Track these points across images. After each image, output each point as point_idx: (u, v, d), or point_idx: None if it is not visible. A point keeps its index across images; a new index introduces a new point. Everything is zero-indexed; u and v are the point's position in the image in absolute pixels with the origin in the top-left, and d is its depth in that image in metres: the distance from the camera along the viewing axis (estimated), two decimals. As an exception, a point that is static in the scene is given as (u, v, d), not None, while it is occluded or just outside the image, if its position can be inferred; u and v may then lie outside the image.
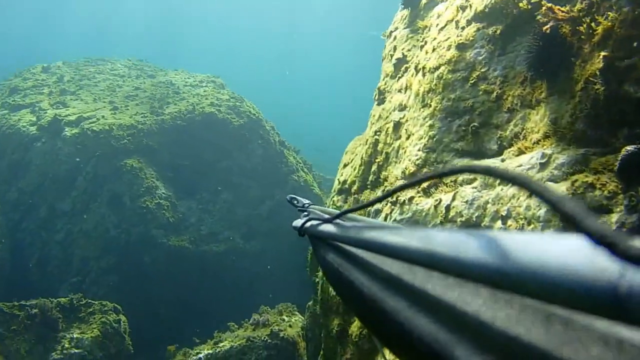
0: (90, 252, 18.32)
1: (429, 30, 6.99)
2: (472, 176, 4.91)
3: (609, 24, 3.85)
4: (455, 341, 0.81)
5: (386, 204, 6.14)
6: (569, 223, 0.60)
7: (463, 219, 4.77)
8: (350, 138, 9.81)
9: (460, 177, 5.09)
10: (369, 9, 58.24)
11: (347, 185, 8.25)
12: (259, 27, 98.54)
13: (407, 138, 6.38)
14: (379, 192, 7.07)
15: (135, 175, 19.11)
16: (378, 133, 7.49)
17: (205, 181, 20.73)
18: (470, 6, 5.90)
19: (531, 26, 4.87)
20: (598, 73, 3.84)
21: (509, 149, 4.80)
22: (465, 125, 5.40)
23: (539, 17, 4.41)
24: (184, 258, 18.62)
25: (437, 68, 6.04)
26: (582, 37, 4.08)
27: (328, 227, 1.51)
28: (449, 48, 6.00)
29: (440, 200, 5.16)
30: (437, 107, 5.83)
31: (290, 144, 24.89)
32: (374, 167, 7.39)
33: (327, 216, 1.68)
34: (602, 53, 3.85)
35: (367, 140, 7.92)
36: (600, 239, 0.56)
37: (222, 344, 14.04)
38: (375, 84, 8.41)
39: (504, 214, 4.28)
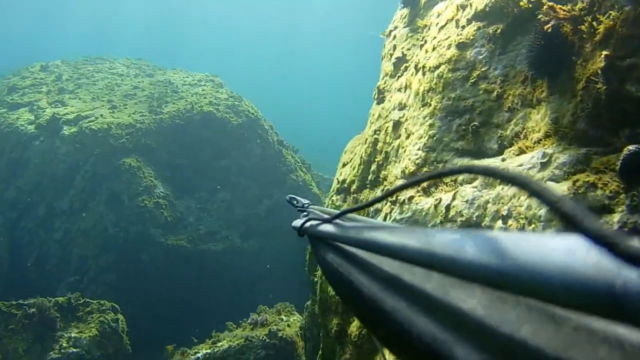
0: (89, 250, 18.32)
1: (429, 29, 6.96)
2: (472, 176, 4.89)
3: (611, 23, 3.83)
4: (455, 341, 0.81)
5: (386, 204, 6.11)
6: (568, 223, 0.61)
7: (463, 218, 4.75)
8: (349, 138, 9.78)
9: (461, 177, 5.07)
10: (369, 9, 58.28)
11: (346, 185, 8.23)
12: (258, 27, 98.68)
13: (407, 137, 6.35)
14: (378, 192, 7.04)
15: (133, 174, 19.10)
16: (377, 132, 7.46)
17: (204, 180, 20.73)
18: (471, 5, 5.88)
19: (532, 25, 4.85)
20: (599, 72, 3.82)
21: (509, 149, 4.77)
22: (466, 125, 5.38)
23: (540, 16, 4.39)
24: (182, 257, 18.62)
25: (437, 67, 6.01)
26: (584, 36, 4.06)
27: (328, 227, 1.51)
28: (449, 47, 5.98)
29: (440, 200, 5.14)
30: (437, 106, 5.81)
31: (289, 143, 24.89)
32: (373, 167, 7.36)
33: (326, 216, 1.68)
34: (604, 52, 3.83)
35: (366, 139, 7.90)
36: (599, 239, 0.57)
37: (220, 343, 14.02)
38: (375, 84, 8.38)
39: (504, 213, 4.26)
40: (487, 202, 4.53)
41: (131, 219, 18.62)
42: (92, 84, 24.94)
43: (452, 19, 6.24)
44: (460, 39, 5.81)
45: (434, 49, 6.34)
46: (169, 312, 17.73)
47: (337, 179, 8.82)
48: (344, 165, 8.93)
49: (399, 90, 7.28)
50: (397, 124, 6.87)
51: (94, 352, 13.36)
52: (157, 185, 19.49)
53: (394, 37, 8.26)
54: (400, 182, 6.16)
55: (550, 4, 4.30)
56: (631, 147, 3.44)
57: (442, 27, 6.44)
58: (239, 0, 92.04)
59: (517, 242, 0.69)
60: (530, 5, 4.98)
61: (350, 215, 1.65)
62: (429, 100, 6.02)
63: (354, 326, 6.44)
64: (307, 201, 2.07)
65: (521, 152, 4.54)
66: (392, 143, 6.89)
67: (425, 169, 5.74)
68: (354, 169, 8.14)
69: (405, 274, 1.05)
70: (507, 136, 4.87)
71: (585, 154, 3.86)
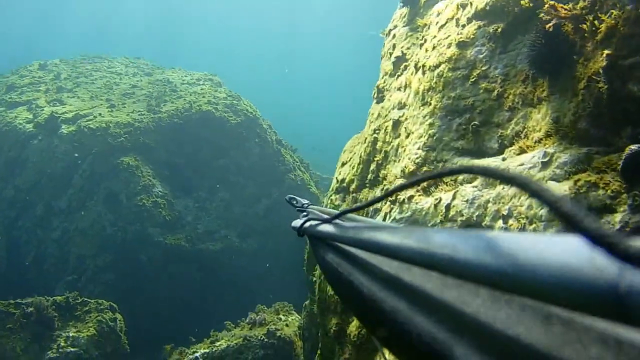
0: (87, 250, 18.28)
1: (429, 28, 6.95)
2: (472, 175, 4.87)
3: (612, 22, 3.81)
4: (455, 341, 0.82)
5: (385, 203, 6.10)
6: (567, 223, 0.60)
7: (463, 218, 4.73)
8: (349, 138, 9.75)
9: (461, 176, 5.05)
10: (369, 8, 58.30)
11: (345, 184, 8.21)
12: (258, 27, 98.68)
13: (407, 136, 6.34)
14: (377, 191, 7.02)
15: (131, 174, 19.07)
16: (377, 131, 7.44)
17: (202, 179, 20.71)
18: (471, 4, 5.87)
19: (532, 24, 4.84)
20: (601, 71, 3.81)
21: (510, 148, 4.76)
22: (466, 124, 5.36)
23: (541, 15, 4.37)
24: (180, 257, 18.60)
25: (437, 66, 5.99)
26: (585, 35, 4.04)
27: (327, 227, 1.51)
28: (449, 46, 5.96)
29: (440, 199, 5.12)
30: (437, 105, 5.79)
31: (288, 142, 24.89)
32: (372, 166, 7.35)
33: (326, 216, 1.69)
34: (606, 51, 3.81)
35: (365, 138, 7.88)
36: (599, 239, 0.56)
37: (218, 343, 13.99)
38: (375, 84, 8.37)
39: (505, 213, 4.24)
40: (488, 201, 4.51)
41: (129, 218, 18.58)
42: (90, 82, 24.90)
43: (452, 18, 6.22)
44: (461, 37, 5.80)
45: (434, 48, 6.33)
46: (167, 311, 17.71)
47: (336, 178, 8.80)
48: (343, 164, 8.91)
49: (399, 89, 7.26)
50: (396, 123, 6.85)
51: (92, 351, 13.33)
52: (156, 184, 19.46)
53: (394, 36, 8.24)
54: (399, 181, 6.15)
55: (552, 2, 4.28)
56: (633, 147, 3.42)
57: (442, 26, 6.42)
58: (239, 0, 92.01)
59: (516, 243, 0.69)
60: (531, 4, 4.96)
61: (349, 215, 1.66)
62: (429, 100, 6.00)
63: (353, 326, 6.42)
64: (306, 201, 2.08)
65: (522, 151, 4.53)
66: (391, 142, 6.87)
67: (425, 168, 5.72)
68: (353, 168, 8.12)
69: (405, 274, 1.05)
70: (508, 135, 4.85)
71: (587, 154, 3.84)
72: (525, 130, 4.64)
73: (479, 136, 5.20)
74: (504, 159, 4.72)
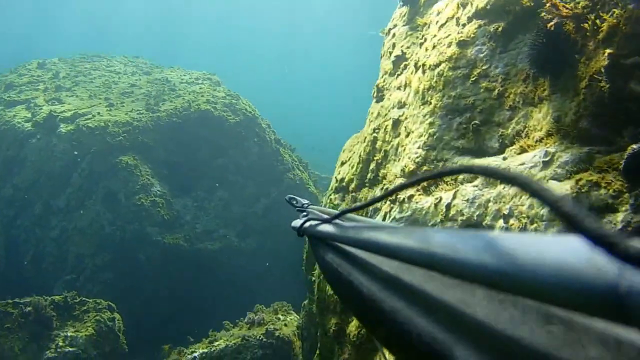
0: (85, 249, 18.25)
1: (429, 27, 6.94)
2: (472, 175, 4.85)
3: (614, 21, 3.80)
4: (454, 341, 0.82)
5: (385, 202, 6.08)
6: (568, 223, 0.61)
7: (464, 217, 4.71)
8: (347, 137, 9.74)
9: (461, 176, 5.04)
10: (369, 8, 58.29)
11: (344, 183, 8.19)
12: (258, 27, 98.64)
13: (407, 136, 6.32)
14: (377, 190, 7.01)
15: (130, 173, 19.04)
16: (377, 131, 7.43)
17: (201, 179, 20.69)
18: (471, 3, 5.85)
19: (533, 23, 4.83)
20: (603, 70, 3.79)
21: (510, 147, 4.74)
22: (466, 123, 5.35)
23: (543, 14, 4.35)
24: (179, 256, 18.57)
25: (437, 65, 5.98)
26: (587, 34, 4.02)
27: (327, 227, 1.52)
28: (449, 45, 5.95)
29: (441, 199, 5.10)
30: (437, 104, 5.78)
31: (286, 141, 24.88)
32: (372, 165, 7.33)
33: (326, 216, 1.70)
34: (607, 50, 3.80)
35: (365, 138, 7.86)
36: (599, 240, 0.57)
37: (217, 343, 13.97)
38: (374, 83, 8.35)
39: (505, 212, 4.22)
40: (488, 201, 4.49)
41: (128, 218, 18.56)
42: (89, 81, 24.87)
43: (452, 17, 6.21)
44: (461, 37, 5.78)
45: (434, 47, 6.31)
46: (165, 311, 17.70)
47: (336, 177, 8.79)
48: (343, 163, 8.89)
49: (399, 88, 7.25)
50: (396, 122, 6.84)
51: (90, 351, 13.30)
52: (154, 183, 19.44)
53: (393, 35, 8.23)
54: (399, 180, 6.15)
55: (553, 1, 4.26)
56: (635, 146, 3.41)
57: (442, 25, 6.41)
58: (240, 0, 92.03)
59: (516, 243, 0.69)
60: (532, 3, 4.95)
61: (349, 215, 1.66)
62: (429, 99, 5.99)
63: (353, 326, 6.40)
64: (306, 201, 2.09)
65: (523, 150, 4.51)
66: (391, 141, 6.85)
67: (425, 168, 5.71)
68: (352, 167, 8.10)
69: (405, 274, 1.06)
70: (509, 135, 4.84)
71: (588, 153, 3.83)
72: (526, 129, 4.62)
73: (479, 135, 5.19)
74: (504, 158, 4.71)
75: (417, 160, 5.82)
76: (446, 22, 6.34)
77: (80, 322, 13.80)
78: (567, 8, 4.18)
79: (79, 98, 22.43)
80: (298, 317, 14.07)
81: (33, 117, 20.65)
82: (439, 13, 6.73)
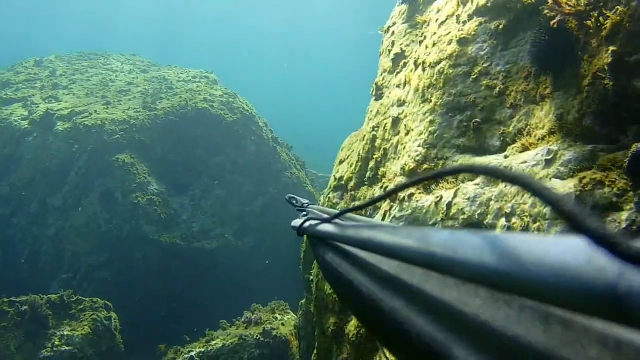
0: (82, 248, 18.22)
1: (429, 25, 6.91)
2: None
3: (618, 18, 3.77)
4: (454, 341, 0.82)
5: (385, 201, 6.05)
6: (570, 223, 0.61)
7: (465, 216, 4.67)
8: (346, 137, 9.70)
9: (462, 174, 5.00)
10: (369, 8, 58.33)
11: (343, 182, 8.15)
12: (258, 27, 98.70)
13: (407, 134, 6.28)
14: (376, 189, 6.97)
15: (127, 171, 19.01)
16: (376, 129, 7.39)
17: (198, 177, 20.66)
18: (472, 1, 5.82)
19: (535, 21, 4.80)
20: (607, 68, 3.76)
21: (512, 146, 4.71)
22: (467, 121, 5.31)
23: (545, 11, 4.32)
24: (176, 255, 18.55)
25: (437, 63, 5.95)
26: (590, 31, 3.99)
27: (327, 227, 1.53)
28: (450, 43, 5.91)
29: (441, 198, 5.07)
30: (437, 102, 5.74)
31: (284, 140, 24.88)
32: (371, 164, 7.29)
33: (326, 216, 1.71)
34: (611, 48, 3.76)
35: (364, 136, 7.83)
36: (600, 239, 0.57)
37: (214, 342, 13.96)
38: (373, 82, 8.32)
39: (508, 211, 4.19)
40: (490, 199, 4.46)
41: (125, 216, 18.53)
42: (86, 79, 24.83)
43: (452, 15, 6.18)
44: (462, 34, 5.75)
45: (434, 44, 6.28)
46: (162, 310, 17.68)
47: (334, 176, 8.75)
48: (341, 162, 8.85)
49: (398, 86, 7.22)
50: (396, 121, 6.80)
51: (87, 350, 13.27)
52: (151, 182, 19.41)
53: (393, 33, 8.20)
54: (399, 179, 6.12)
55: (556, -2, 4.23)
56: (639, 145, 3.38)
57: (442, 23, 6.38)
58: (240, 0, 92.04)
59: (516, 243, 0.69)
60: (533, 1, 4.92)
61: (349, 214, 1.68)
62: (429, 97, 5.95)
63: (352, 325, 6.36)
64: (306, 201, 2.12)
65: (525, 149, 4.48)
66: (391, 140, 6.82)
67: (425, 166, 5.67)
68: (351, 166, 8.07)
69: (405, 274, 1.06)
70: (510, 133, 4.80)
71: (592, 151, 3.80)
72: (528, 127, 4.59)
73: (480, 134, 5.15)
74: (506, 157, 4.67)
75: (417, 158, 5.79)
76: (446, 19, 6.31)
77: (76, 321, 13.77)
78: (569, 5, 4.15)
79: (76, 96, 22.39)
80: (295, 316, 14.06)
81: (30, 115, 20.61)
82: (438, 11, 6.70)
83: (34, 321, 13.12)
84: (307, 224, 1.71)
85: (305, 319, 10.17)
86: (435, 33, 6.44)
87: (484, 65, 5.37)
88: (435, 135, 5.64)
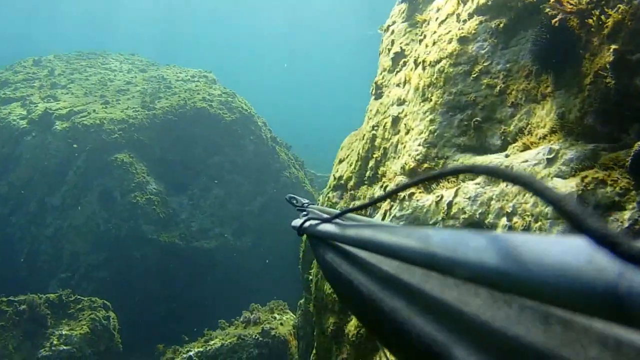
0: (80, 247, 18.20)
1: (428, 24, 6.90)
2: (474, 173, 4.80)
3: (619, 16, 3.75)
4: (454, 341, 0.82)
5: (385, 200, 6.03)
6: (571, 222, 0.60)
7: (466, 215, 4.66)
8: (346, 136, 9.67)
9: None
10: (369, 8, 58.35)
11: (343, 181, 8.13)
12: (259, 27, 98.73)
13: (407, 133, 6.27)
14: (376, 188, 6.95)
15: (125, 170, 18.99)
16: (375, 128, 7.37)
17: (197, 177, 20.64)
18: (472, -1, 5.81)
19: (535, 19, 4.79)
20: (608, 67, 3.74)
21: (513, 144, 4.69)
22: (468, 120, 5.30)
23: (547, 9, 4.30)
24: (174, 254, 18.53)
25: (437, 62, 5.93)
26: (591, 29, 3.97)
27: (327, 227, 1.53)
28: (450, 41, 5.90)
29: (442, 197, 5.05)
30: (438, 101, 5.72)
31: (282, 139, 24.87)
32: (371, 163, 7.27)
33: (326, 216, 1.72)
34: (613, 46, 3.75)
35: (364, 135, 7.80)
36: (601, 239, 0.56)
37: (212, 342, 13.94)
38: (373, 81, 8.30)
39: (509, 210, 4.17)
40: (491, 199, 4.44)
41: (123, 216, 18.51)
42: (84, 79, 24.81)
43: (452, 13, 6.17)
44: (462, 33, 5.73)
45: (434, 43, 6.26)
46: (161, 309, 17.65)
47: (334, 175, 8.72)
48: (341, 161, 8.83)
49: (398, 85, 7.20)
50: (396, 120, 6.78)
51: (85, 349, 13.24)
52: (150, 181, 19.39)
53: (392, 32, 8.18)
54: (399, 178, 6.10)
55: (557, -4, 4.21)
56: (642, 143, 3.37)
57: (442, 22, 6.37)
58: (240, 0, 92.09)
59: (516, 243, 0.69)
60: (534, -1, 4.91)
61: (349, 214, 1.68)
62: (429, 95, 5.94)
63: (352, 325, 6.34)
64: (306, 201, 2.12)
65: (526, 148, 4.46)
66: (390, 139, 6.80)
67: (426, 165, 5.65)
68: (351, 165, 8.04)
69: (405, 274, 1.06)
70: (511, 132, 4.78)
71: (593, 150, 3.78)
72: (529, 126, 4.57)
73: (481, 132, 5.13)
74: (507, 156, 4.66)
75: (417, 157, 5.77)
76: (446, 18, 6.29)
77: (75, 321, 13.75)
78: (571, 4, 4.13)
79: (74, 95, 22.37)
80: (294, 316, 14.04)
81: (28, 115, 20.58)
82: (438, 9, 6.69)
83: (32, 320, 13.10)
84: (307, 224, 1.71)
85: (304, 319, 10.16)
86: (435, 32, 6.42)
87: (485, 64, 5.35)
88: (436, 134, 5.62)
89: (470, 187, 4.74)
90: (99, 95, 22.56)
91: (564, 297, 0.60)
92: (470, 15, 5.77)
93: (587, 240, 0.58)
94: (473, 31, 5.62)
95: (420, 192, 5.44)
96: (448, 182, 5.12)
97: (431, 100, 5.86)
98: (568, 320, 0.69)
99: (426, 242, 0.88)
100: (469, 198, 4.68)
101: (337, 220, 1.57)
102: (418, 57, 6.64)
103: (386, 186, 6.43)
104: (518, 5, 5.17)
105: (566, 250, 0.61)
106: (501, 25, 5.33)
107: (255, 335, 13.76)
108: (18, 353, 12.52)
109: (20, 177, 19.37)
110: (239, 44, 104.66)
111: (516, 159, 4.41)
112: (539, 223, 3.82)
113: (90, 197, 18.71)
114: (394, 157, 6.55)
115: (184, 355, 13.72)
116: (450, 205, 4.90)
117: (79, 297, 14.45)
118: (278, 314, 15.00)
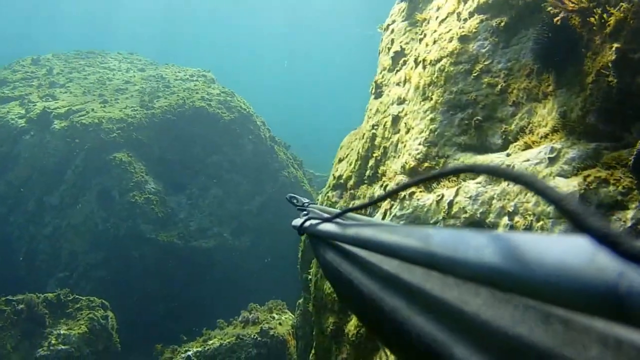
0: (79, 246, 18.17)
1: (428, 23, 6.88)
2: (475, 172, 4.77)
3: (622, 15, 3.73)
4: (454, 341, 0.82)
5: (385, 200, 6.01)
6: (572, 222, 0.60)
7: (467, 215, 4.63)
8: (345, 136, 9.64)
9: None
10: (369, 8, 58.37)
11: (342, 180, 8.11)
12: (259, 27, 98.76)
13: (407, 132, 6.25)
14: (376, 187, 6.93)
15: (124, 170, 18.96)
16: (375, 127, 7.35)
17: (195, 176, 20.62)
18: (473, -3, 5.79)
19: (537, 18, 4.77)
20: (610, 65, 3.72)
21: (514, 143, 4.67)
22: (468, 119, 5.28)
23: (549, 8, 4.28)
24: (173, 254, 18.51)
25: (438, 60, 5.91)
26: (594, 28, 3.95)
27: (328, 226, 1.54)
28: (450, 40, 5.88)
29: (443, 196, 5.03)
30: (438, 100, 5.70)
31: (281, 139, 24.85)
32: (371, 162, 7.25)
33: (326, 215, 1.72)
34: (615, 45, 3.73)
35: (363, 134, 7.78)
36: (602, 238, 0.56)
37: (211, 341, 13.92)
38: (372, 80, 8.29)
39: (510, 209, 4.15)
40: (492, 198, 4.42)
41: (122, 215, 18.49)
42: (83, 78, 24.78)
43: (453, 12, 6.16)
44: (463, 31, 5.72)
45: (434, 42, 6.25)
46: (159, 309, 17.64)
47: (333, 174, 8.70)
48: (340, 160, 8.81)
49: (398, 84, 7.18)
50: (396, 119, 6.76)
51: (83, 349, 13.22)
52: (148, 180, 19.36)
53: (392, 31, 8.16)
54: (399, 177, 6.08)
55: (559, -6, 4.19)
56: (644, 142, 3.35)
57: (442, 20, 6.35)
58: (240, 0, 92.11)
59: (517, 242, 0.69)
60: (535, -2, 4.89)
61: (349, 214, 1.67)
62: (429, 94, 5.92)
63: (352, 325, 6.32)
64: (307, 200, 2.12)
65: (527, 147, 4.44)
66: (391, 138, 6.78)
67: (426, 164, 5.63)
68: (350, 164, 8.02)
69: (405, 273, 1.06)
70: (512, 131, 4.77)
71: (595, 149, 3.76)
72: (531, 125, 4.55)
73: (482, 131, 5.11)
74: (508, 155, 4.64)
75: (418, 156, 5.75)
76: (447, 17, 6.28)
77: (73, 320, 13.72)
78: (573, 2, 4.11)
79: (73, 94, 22.34)
80: (293, 315, 14.03)
81: (27, 114, 20.54)
82: (438, 8, 6.68)
83: (31, 320, 13.07)
84: (307, 223, 1.71)
85: (303, 319, 10.14)
86: (435, 30, 6.41)
87: (485, 63, 5.34)
88: (436, 133, 5.60)
89: (472, 186, 4.71)
90: (98, 94, 22.53)
91: (565, 297, 0.59)
92: (471, 14, 5.76)
93: (588, 240, 0.58)
94: (474, 30, 5.61)
95: (420, 192, 5.41)
96: (449, 181, 5.10)
97: (432, 99, 5.84)
98: (569, 320, 0.69)
99: (427, 241, 0.88)
100: (470, 197, 4.66)
101: (338, 220, 1.57)
102: (418, 56, 6.63)
103: (386, 185, 6.41)
104: (519, 3, 5.15)
105: (567, 250, 0.61)
106: (502, 23, 5.31)
107: (254, 335, 13.74)
108: (16, 352, 12.49)
109: (19, 176, 19.34)
110: (239, 43, 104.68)
111: (517, 158, 4.39)
112: (541, 222, 3.80)
113: (89, 196, 18.68)
114: (394, 156, 6.53)
115: (183, 355, 13.70)
116: (451, 204, 4.88)
117: (77, 296, 14.42)
118: (277, 314, 14.98)
